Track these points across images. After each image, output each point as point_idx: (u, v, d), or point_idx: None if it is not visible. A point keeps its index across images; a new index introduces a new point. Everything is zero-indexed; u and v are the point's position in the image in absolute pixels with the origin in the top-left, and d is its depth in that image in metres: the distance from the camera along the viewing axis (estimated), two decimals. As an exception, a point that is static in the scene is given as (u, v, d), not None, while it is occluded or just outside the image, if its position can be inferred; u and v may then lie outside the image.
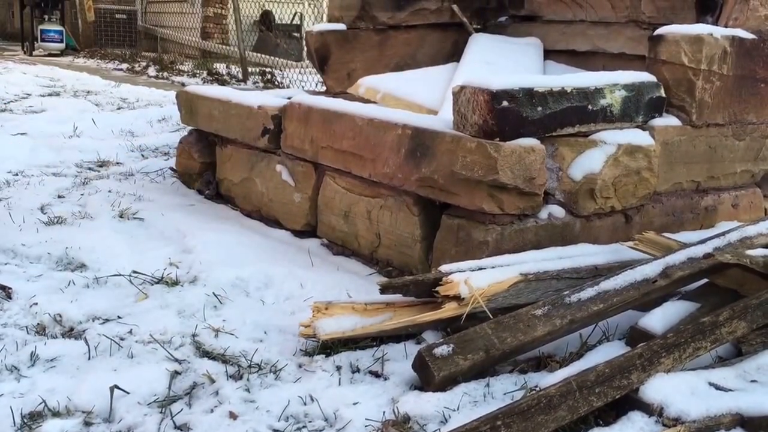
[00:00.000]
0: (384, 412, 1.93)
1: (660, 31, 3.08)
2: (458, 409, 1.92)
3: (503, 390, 2.02)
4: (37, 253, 3.08)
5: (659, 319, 2.20)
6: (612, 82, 2.85)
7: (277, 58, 9.84)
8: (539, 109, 2.65)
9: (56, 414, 1.92)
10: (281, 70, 9.33)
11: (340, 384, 2.09)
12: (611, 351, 2.10)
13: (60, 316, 2.47)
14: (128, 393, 1.99)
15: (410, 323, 2.30)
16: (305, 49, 4.90)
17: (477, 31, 4.73)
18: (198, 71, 10.33)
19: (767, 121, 3.30)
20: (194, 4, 12.04)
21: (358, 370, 2.17)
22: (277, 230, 3.58)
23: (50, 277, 2.84)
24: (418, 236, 2.91)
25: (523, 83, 2.65)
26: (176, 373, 2.11)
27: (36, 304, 2.54)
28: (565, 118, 2.73)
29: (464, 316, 2.23)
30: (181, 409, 1.95)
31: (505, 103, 2.57)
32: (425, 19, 4.63)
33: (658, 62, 3.04)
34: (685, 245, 2.51)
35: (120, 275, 2.85)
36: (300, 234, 3.50)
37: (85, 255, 3.06)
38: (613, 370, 1.89)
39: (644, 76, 2.98)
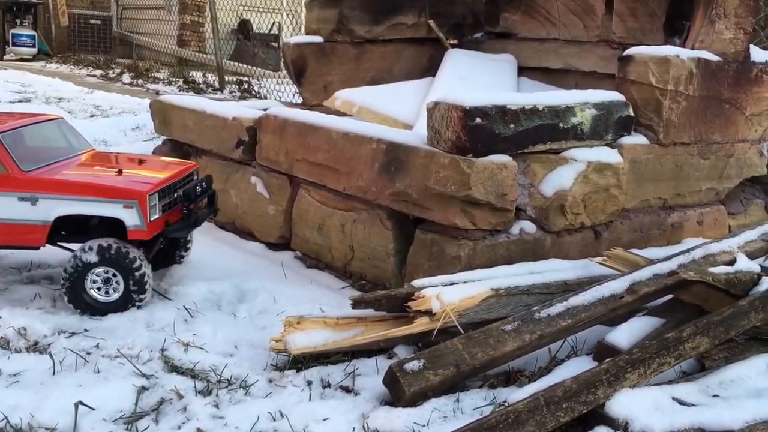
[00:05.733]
0: (354, 428, 1.93)
1: (629, 51, 3.16)
2: (428, 424, 1.93)
3: (473, 405, 2.03)
4: (2, 265, 3.02)
5: (625, 334, 2.24)
6: (582, 100, 2.92)
7: (254, 68, 9.81)
8: (512, 126, 2.70)
9: (18, 431, 1.88)
10: (258, 80, 9.30)
11: (310, 399, 2.08)
12: (579, 366, 2.13)
13: (24, 329, 2.42)
14: (94, 409, 1.96)
15: (382, 338, 2.31)
16: (282, 59, 4.91)
17: (453, 46, 4.80)
18: (174, 79, 10.23)
19: (731, 141, 3.40)
20: (171, 11, 11.95)
21: (329, 385, 2.16)
22: (251, 242, 3.57)
23: (15, 291, 2.78)
24: (392, 250, 2.92)
25: (496, 101, 2.69)
26: (143, 388, 2.08)
27: (0, 317, 2.49)
28: (536, 135, 2.78)
29: (435, 331, 2.25)
30: (148, 426, 1.92)
31: (478, 120, 2.61)
32: (402, 34, 4.68)
33: (627, 82, 3.12)
34: (651, 261, 2.57)
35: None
36: (274, 246, 3.49)
37: (52, 267, 3.00)
38: (580, 385, 1.92)
39: (613, 96, 3.05)
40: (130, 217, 2.51)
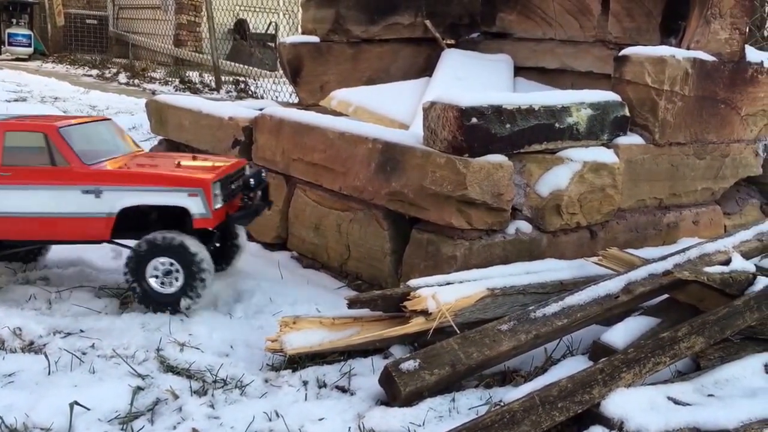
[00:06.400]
0: (350, 428, 1.93)
1: (625, 51, 3.17)
2: (423, 424, 1.93)
3: (468, 405, 2.03)
4: (-2, 265, 3.02)
5: (621, 334, 2.25)
6: (578, 100, 2.92)
7: (251, 68, 9.79)
8: (508, 126, 2.70)
9: (14, 431, 1.88)
10: (255, 80, 9.28)
11: (306, 399, 2.08)
12: (575, 365, 2.13)
13: (20, 329, 2.41)
14: (89, 409, 1.95)
15: (377, 338, 2.31)
16: (279, 59, 4.91)
17: (449, 46, 4.80)
18: (170, 79, 10.21)
19: (727, 141, 3.41)
20: (167, 11, 11.92)
21: (325, 385, 2.16)
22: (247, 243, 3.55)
23: (11, 291, 2.77)
24: (388, 250, 2.92)
25: (492, 100, 2.69)
26: (139, 388, 2.07)
27: (-5, 317, 2.48)
28: (532, 135, 2.78)
29: (431, 331, 2.25)
30: (143, 426, 1.92)
31: (474, 120, 2.61)
32: (399, 34, 4.68)
33: (623, 82, 3.12)
34: (647, 261, 2.57)
35: (83, 286, 2.80)
36: (270, 246, 3.49)
37: (48, 267, 2.99)
38: (575, 385, 1.92)
39: (609, 96, 3.06)
40: (195, 206, 2.49)
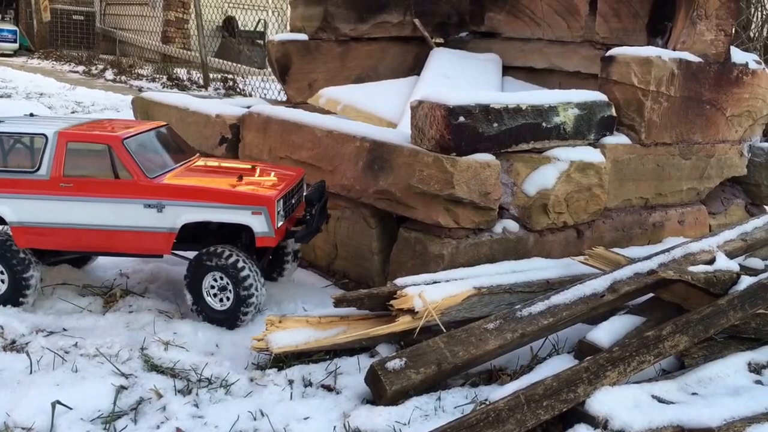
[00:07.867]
0: (335, 427, 1.92)
1: (611, 52, 3.18)
2: (409, 423, 1.93)
3: (454, 403, 2.03)
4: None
5: (606, 332, 2.26)
6: (565, 100, 2.93)
7: (239, 65, 9.74)
8: (495, 125, 2.70)
9: (-7, 431, 1.85)
10: (244, 77, 9.24)
11: (291, 398, 2.07)
12: (560, 364, 2.14)
13: (1, 328, 2.38)
14: (71, 409, 1.93)
15: (364, 336, 2.30)
16: (267, 56, 4.88)
17: (438, 45, 4.80)
18: (158, 76, 10.14)
19: (712, 141, 3.44)
20: (155, 7, 11.83)
21: (311, 384, 2.15)
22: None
23: (-8, 288, 2.73)
24: (376, 248, 2.91)
25: (480, 99, 2.69)
26: (122, 387, 2.05)
27: (-24, 315, 2.45)
28: (520, 134, 2.79)
29: (418, 329, 2.24)
30: (126, 426, 1.90)
31: (461, 119, 2.61)
32: (387, 32, 4.67)
33: (610, 82, 3.14)
34: (632, 260, 2.59)
35: (66, 284, 2.77)
36: (257, 244, 3.46)
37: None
38: (560, 383, 1.92)
39: (596, 95, 3.07)
40: (258, 224, 2.42)
